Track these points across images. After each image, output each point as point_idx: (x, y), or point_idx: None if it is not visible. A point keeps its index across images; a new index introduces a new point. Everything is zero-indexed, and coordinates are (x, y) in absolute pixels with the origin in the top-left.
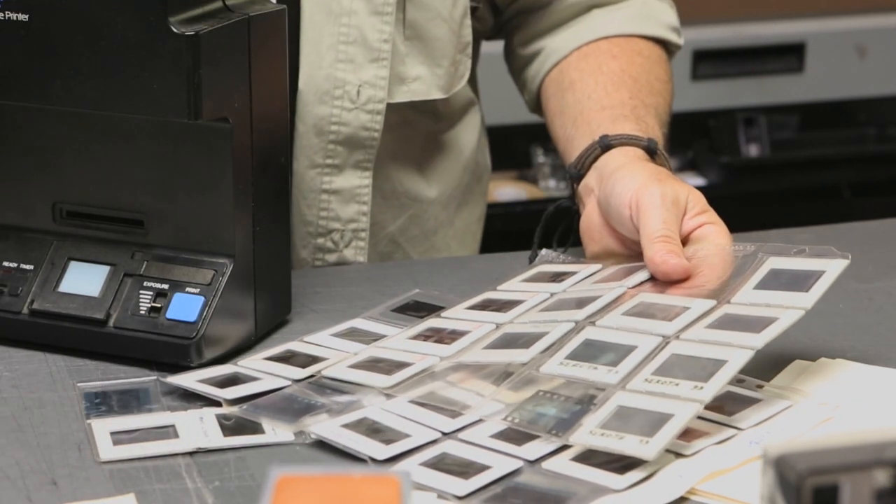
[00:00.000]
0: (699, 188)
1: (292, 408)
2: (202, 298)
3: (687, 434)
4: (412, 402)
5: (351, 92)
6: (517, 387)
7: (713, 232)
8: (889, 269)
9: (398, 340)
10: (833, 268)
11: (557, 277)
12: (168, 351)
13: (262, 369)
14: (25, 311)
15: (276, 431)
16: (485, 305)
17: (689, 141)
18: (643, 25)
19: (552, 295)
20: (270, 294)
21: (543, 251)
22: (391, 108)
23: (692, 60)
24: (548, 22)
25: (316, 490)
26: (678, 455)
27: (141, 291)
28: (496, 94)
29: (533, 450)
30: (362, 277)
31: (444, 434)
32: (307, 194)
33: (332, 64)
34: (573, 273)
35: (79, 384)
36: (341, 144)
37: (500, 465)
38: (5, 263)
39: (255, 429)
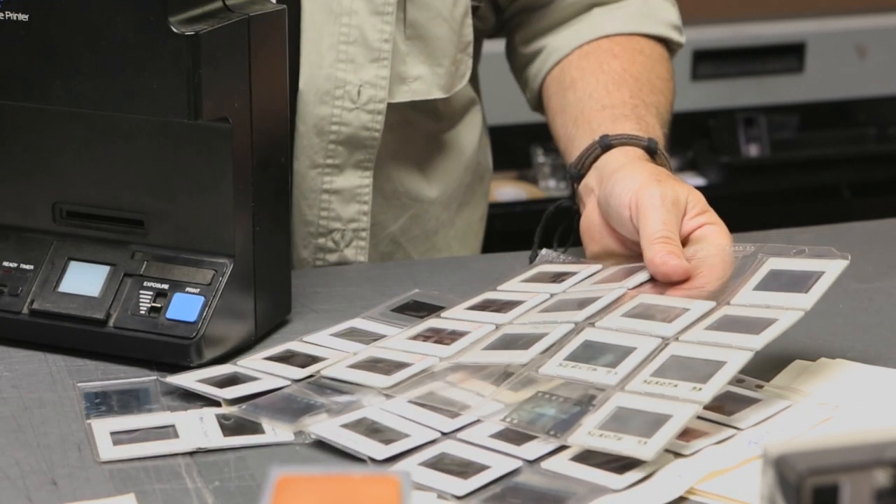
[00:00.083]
0: (699, 188)
1: (291, 408)
2: (202, 298)
3: (686, 434)
4: (411, 402)
5: (352, 92)
6: (516, 387)
7: (713, 232)
8: (889, 269)
9: (398, 341)
10: (832, 268)
11: (557, 278)
12: (168, 351)
13: (262, 369)
14: (25, 311)
15: (276, 431)
16: (485, 306)
17: (689, 141)
18: (644, 24)
19: (552, 296)
20: (270, 294)
21: (544, 251)
22: (392, 107)
23: (692, 60)
24: (549, 20)
25: (316, 490)
26: (677, 455)
27: (141, 291)
28: (496, 94)
29: (532, 450)
30: (362, 277)
31: (444, 434)
32: (308, 194)
33: (332, 64)
34: (573, 273)
35: (79, 384)
36: (342, 144)
37: (499, 465)
38: (5, 263)
39: (255, 429)
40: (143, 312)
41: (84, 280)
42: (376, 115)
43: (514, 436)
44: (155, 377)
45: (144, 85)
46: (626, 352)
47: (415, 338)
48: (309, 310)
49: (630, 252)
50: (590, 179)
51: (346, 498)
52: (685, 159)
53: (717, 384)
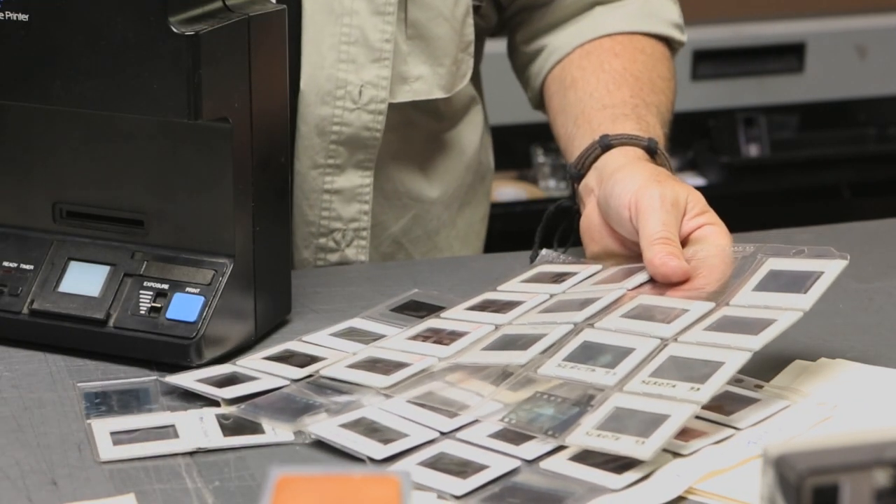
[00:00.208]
0: (699, 188)
1: (291, 407)
2: (202, 298)
3: (685, 434)
4: (410, 402)
5: (353, 92)
6: (515, 388)
7: (713, 233)
8: (889, 269)
9: (397, 341)
10: (832, 268)
11: (557, 278)
12: (168, 351)
13: (261, 369)
14: (25, 311)
15: (275, 431)
16: (484, 306)
17: (689, 141)
18: (646, 23)
19: (551, 296)
20: (270, 294)
21: (544, 251)
22: (393, 107)
23: (692, 60)
24: (551, 19)
25: (316, 490)
26: (676, 455)
27: (141, 291)
28: (496, 94)
29: (531, 449)
30: (362, 277)
31: (442, 434)
32: (309, 194)
33: (333, 64)
34: (573, 274)
35: (79, 384)
36: (343, 145)
37: (497, 465)
38: (5, 263)
39: (255, 429)
40: (143, 312)
41: (84, 280)
42: (377, 116)
43: (513, 436)
44: (155, 377)
45: (144, 85)
46: (625, 352)
47: (414, 338)
48: (309, 310)
49: (630, 252)
50: (590, 179)
51: (346, 498)
52: (685, 159)
53: (716, 384)
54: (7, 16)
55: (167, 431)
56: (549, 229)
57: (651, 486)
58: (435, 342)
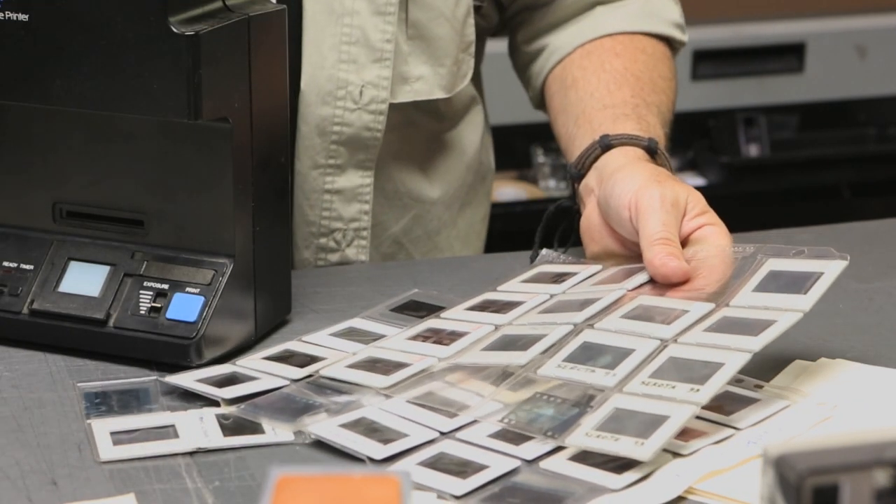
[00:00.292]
0: (699, 188)
1: (290, 407)
2: (202, 298)
3: (684, 434)
4: (410, 402)
5: (354, 92)
6: (515, 388)
7: (713, 233)
8: (889, 269)
9: (397, 341)
10: (832, 269)
11: (557, 278)
12: (168, 351)
13: (261, 369)
14: (25, 311)
15: (275, 431)
16: (484, 306)
17: (689, 141)
18: (647, 23)
19: (551, 296)
20: (270, 294)
21: (544, 251)
22: (394, 107)
23: (692, 60)
24: (552, 19)
25: (316, 490)
26: (676, 455)
27: (141, 291)
28: (496, 94)
29: (530, 449)
30: (362, 277)
31: (442, 434)
32: (310, 194)
33: (334, 64)
34: (573, 274)
35: (79, 384)
36: (344, 145)
37: (497, 465)
38: (5, 263)
39: (255, 429)
40: (143, 312)
41: (84, 280)
42: (378, 116)
43: (513, 436)
44: (155, 377)
45: (144, 85)
46: (625, 353)
47: (414, 338)
48: (309, 310)
49: (630, 252)
50: (590, 179)
51: (346, 498)
52: (685, 159)
53: (715, 385)
54: (7, 16)
55: (167, 431)
56: (550, 229)
57: (651, 486)
58: (435, 342)
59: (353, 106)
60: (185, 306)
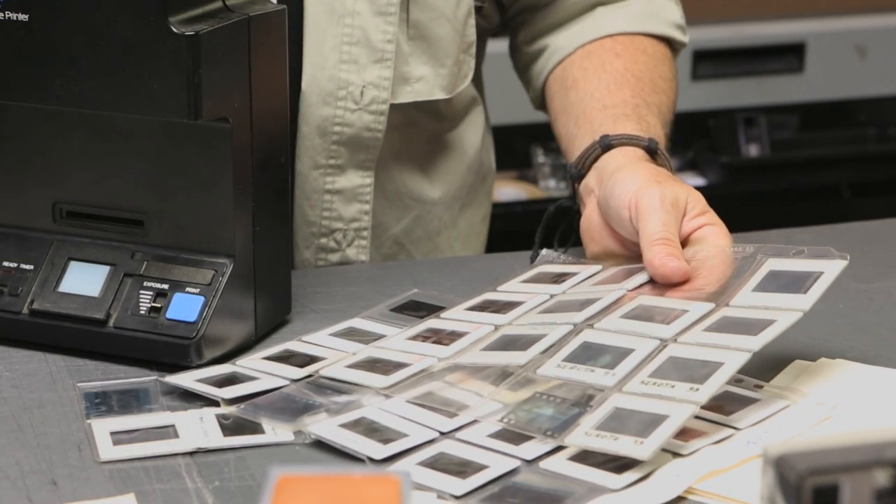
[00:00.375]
0: (699, 188)
1: (290, 407)
2: (202, 298)
3: (684, 434)
4: (410, 402)
5: (354, 93)
6: (515, 388)
7: (713, 233)
8: (889, 269)
9: (397, 341)
10: (831, 269)
11: (557, 278)
12: (168, 351)
13: (261, 369)
14: (25, 311)
15: (275, 431)
16: (484, 306)
17: (689, 141)
18: (647, 23)
19: (551, 296)
20: (270, 294)
21: (544, 251)
22: (394, 108)
23: (692, 60)
24: (552, 19)
25: (316, 490)
26: (675, 455)
27: (141, 291)
28: (497, 94)
29: (530, 449)
30: (362, 277)
31: (442, 434)
32: (310, 195)
33: (335, 65)
34: (573, 274)
35: (79, 384)
36: (344, 145)
37: (497, 465)
38: (5, 263)
39: (255, 429)
40: (143, 312)
41: (84, 280)
42: (379, 116)
43: (513, 435)
44: (155, 377)
45: (144, 85)
46: (625, 353)
47: (414, 338)
48: (309, 310)
49: (630, 252)
50: (590, 180)
51: (346, 498)
52: (685, 159)
53: (715, 385)
54: (7, 16)
55: (167, 431)
56: (550, 229)
57: (651, 486)
58: (435, 342)
59: (353, 106)
60: (185, 306)
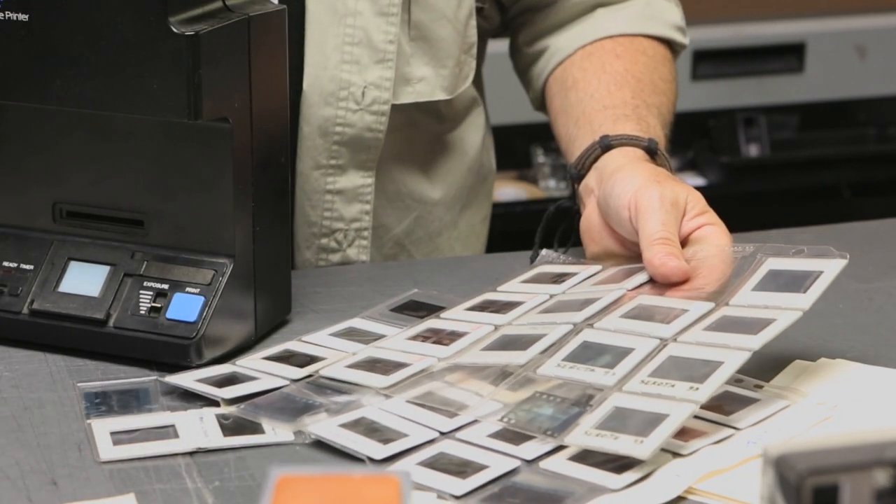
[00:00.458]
0: (699, 188)
1: (290, 407)
2: (202, 298)
3: (684, 434)
4: (410, 402)
5: (356, 93)
6: (514, 388)
7: (713, 233)
8: (889, 269)
9: (397, 341)
10: (831, 268)
11: (557, 278)
12: (168, 351)
13: (261, 369)
14: (25, 311)
15: (275, 431)
16: (484, 306)
17: (689, 141)
18: (648, 25)
19: (551, 296)
20: (270, 294)
21: (544, 251)
22: (395, 108)
23: (692, 60)
24: (553, 20)
25: (316, 490)
26: (675, 455)
27: (141, 291)
28: (496, 94)
29: (530, 449)
30: (363, 277)
31: (442, 434)
32: (311, 195)
33: (337, 65)
34: (573, 274)
35: (79, 384)
36: (345, 145)
37: (497, 465)
38: (5, 263)
39: (255, 429)
40: (143, 312)
41: (84, 280)
42: (380, 117)
43: (513, 435)
44: (155, 377)
45: (144, 85)
46: (625, 352)
47: (414, 338)
48: (309, 310)
49: (630, 253)
50: (590, 180)
51: (346, 498)
52: (685, 159)
53: (715, 384)
54: (7, 16)
55: (167, 431)
56: (550, 230)
57: (651, 486)
58: (435, 342)
59: (355, 107)
60: (185, 306)
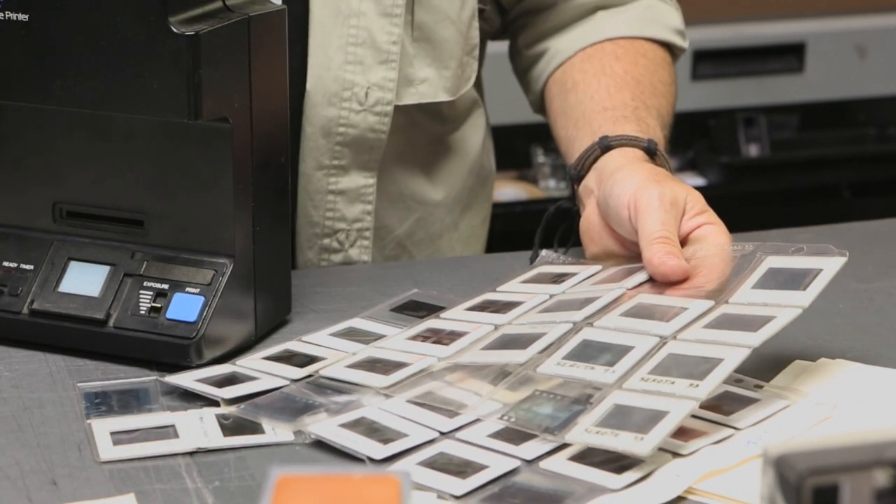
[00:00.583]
0: (699, 188)
1: (290, 407)
2: (202, 298)
3: (684, 433)
4: (410, 401)
5: (359, 94)
6: (514, 387)
7: (712, 232)
8: (889, 269)
9: (397, 341)
10: (831, 265)
11: (557, 279)
12: (168, 351)
13: (261, 369)
14: (25, 311)
15: (275, 431)
16: (484, 306)
17: (689, 141)
18: (648, 28)
19: (551, 296)
20: (270, 294)
21: (544, 252)
22: (398, 109)
23: (692, 60)
24: (553, 23)
25: (316, 490)
26: (675, 454)
27: (141, 291)
28: (496, 95)
29: (530, 449)
30: (363, 277)
31: (442, 434)
32: (313, 195)
33: (340, 66)
34: (573, 274)
35: (79, 384)
36: (348, 146)
37: (497, 465)
38: (5, 263)
39: (255, 429)
40: (143, 312)
41: (84, 280)
42: (383, 118)
43: (513, 435)
44: (155, 377)
45: (144, 85)
46: (624, 351)
47: (414, 338)
48: (309, 310)
49: (629, 253)
50: (589, 180)
51: (346, 498)
52: (685, 159)
53: (714, 381)
54: (7, 16)
55: (167, 431)
56: (549, 230)
57: (651, 485)
58: (435, 342)
59: (358, 107)
60: (185, 306)
